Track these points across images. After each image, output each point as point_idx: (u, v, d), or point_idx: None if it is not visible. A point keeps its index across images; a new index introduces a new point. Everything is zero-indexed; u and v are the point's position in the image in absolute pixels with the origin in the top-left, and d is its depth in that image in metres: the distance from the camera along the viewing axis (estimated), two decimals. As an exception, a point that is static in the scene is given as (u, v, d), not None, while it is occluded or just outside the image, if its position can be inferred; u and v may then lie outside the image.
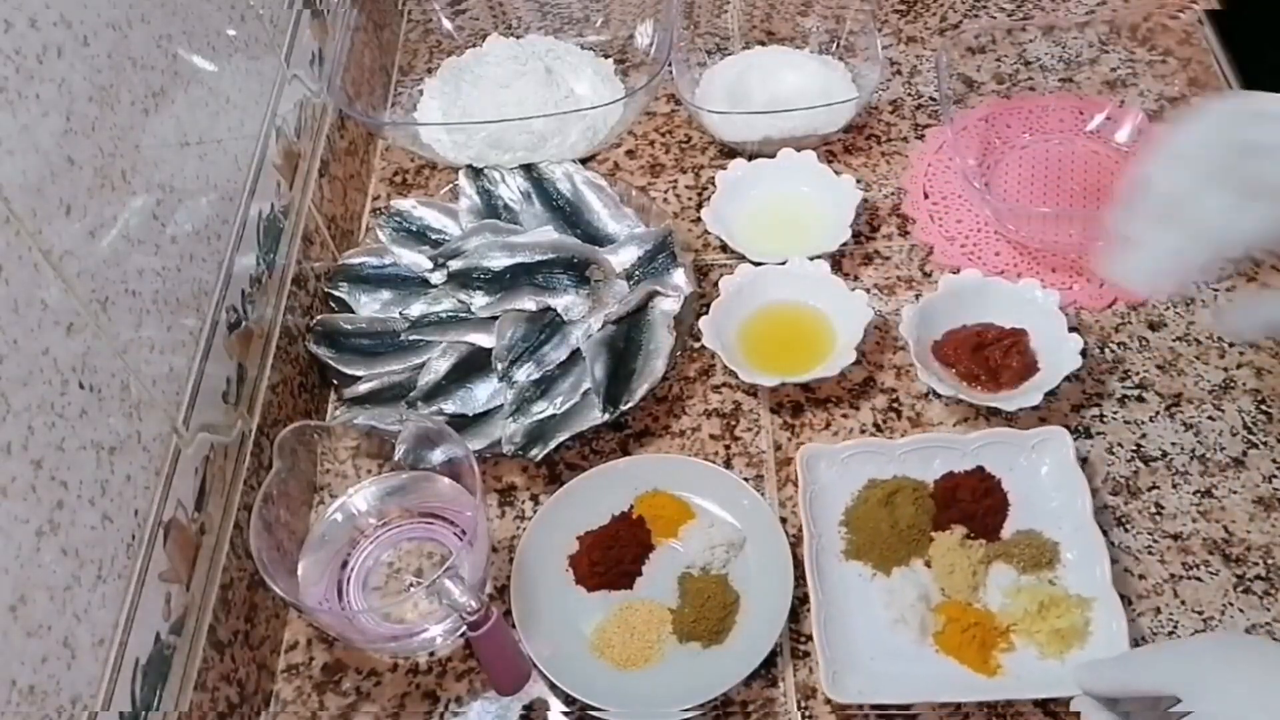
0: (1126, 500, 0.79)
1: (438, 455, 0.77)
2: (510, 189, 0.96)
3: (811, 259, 0.89)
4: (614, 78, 1.09)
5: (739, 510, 0.78)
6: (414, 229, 0.95)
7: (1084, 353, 0.81)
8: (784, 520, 0.78)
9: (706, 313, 0.86)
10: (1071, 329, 0.82)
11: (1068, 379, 0.81)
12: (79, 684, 0.55)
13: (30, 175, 0.55)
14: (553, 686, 0.72)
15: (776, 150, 0.97)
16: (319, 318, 0.88)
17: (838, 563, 0.76)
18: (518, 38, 1.12)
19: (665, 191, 1.01)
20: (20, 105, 0.54)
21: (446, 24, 1.15)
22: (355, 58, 1.01)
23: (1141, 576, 0.75)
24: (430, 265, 0.91)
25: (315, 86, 0.95)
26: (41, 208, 0.55)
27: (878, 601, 0.74)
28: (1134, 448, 0.81)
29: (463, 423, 0.82)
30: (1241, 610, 0.73)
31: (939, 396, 0.85)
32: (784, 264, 0.89)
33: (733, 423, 0.85)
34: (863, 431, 0.84)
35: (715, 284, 0.89)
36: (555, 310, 0.86)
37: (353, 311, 0.90)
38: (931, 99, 1.05)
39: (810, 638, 0.72)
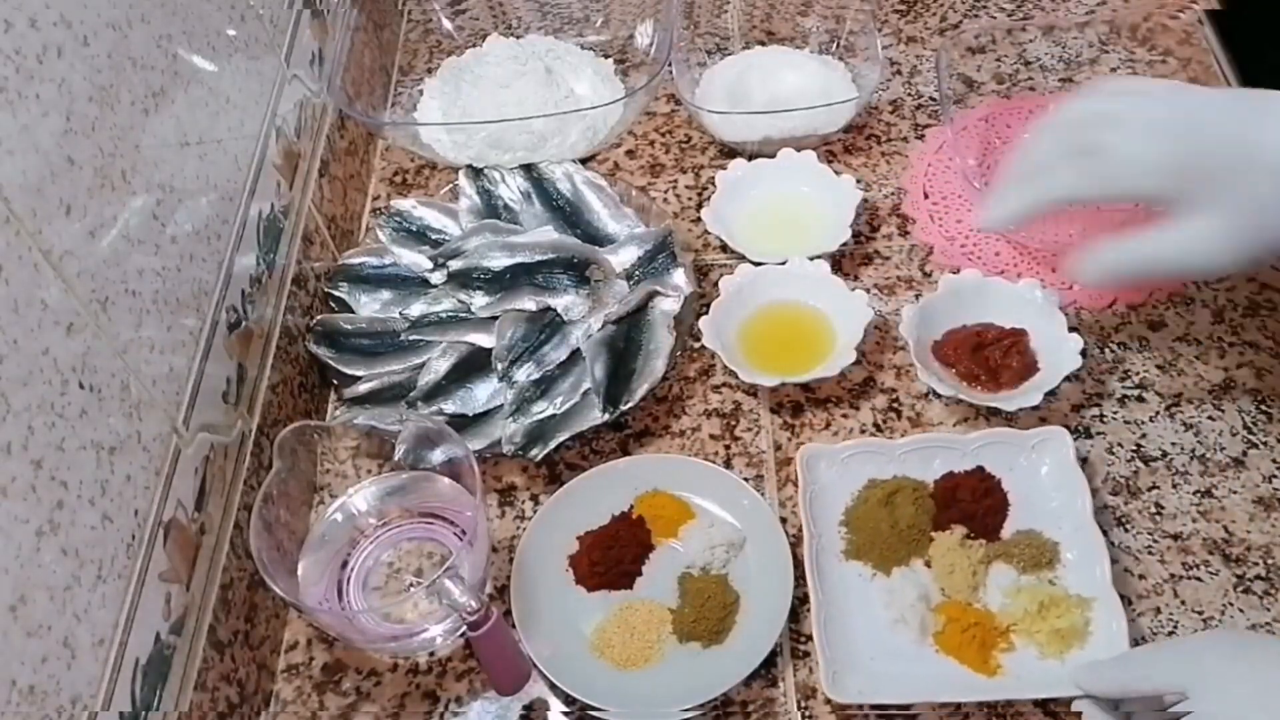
0: (1126, 500, 0.79)
1: (438, 455, 0.77)
2: (510, 189, 0.96)
3: (811, 259, 0.89)
4: (614, 78, 1.09)
5: (739, 510, 0.78)
6: (414, 229, 0.95)
7: (1084, 353, 0.81)
8: (784, 520, 0.78)
9: (706, 313, 0.87)
10: (1071, 329, 0.82)
11: (1068, 379, 0.81)
12: (79, 684, 0.55)
13: (30, 175, 0.55)
14: (553, 686, 0.72)
15: (776, 150, 0.97)
16: (319, 318, 0.88)
17: (838, 563, 0.76)
18: (518, 38, 1.12)
19: (665, 191, 1.01)
20: (20, 105, 0.54)
21: (446, 24, 1.15)
22: (355, 58, 1.01)
23: (1141, 576, 0.75)
24: (430, 265, 0.91)
25: (315, 86, 0.95)
26: (41, 208, 0.55)
27: (878, 601, 0.74)
28: (1134, 448, 0.81)
29: (463, 423, 0.83)
30: (1241, 610, 0.73)
31: (939, 396, 0.85)
32: (784, 264, 0.89)
33: (733, 423, 0.85)
34: (863, 431, 0.84)
35: (715, 284, 0.89)
36: (555, 310, 0.86)
37: (353, 311, 0.90)
38: (931, 99, 1.05)
39: (810, 638, 0.72)
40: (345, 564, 0.77)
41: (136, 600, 0.61)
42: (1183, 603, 0.74)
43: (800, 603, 0.74)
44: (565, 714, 0.72)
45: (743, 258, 0.91)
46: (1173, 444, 0.81)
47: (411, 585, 0.76)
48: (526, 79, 1.02)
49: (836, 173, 0.96)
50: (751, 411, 0.86)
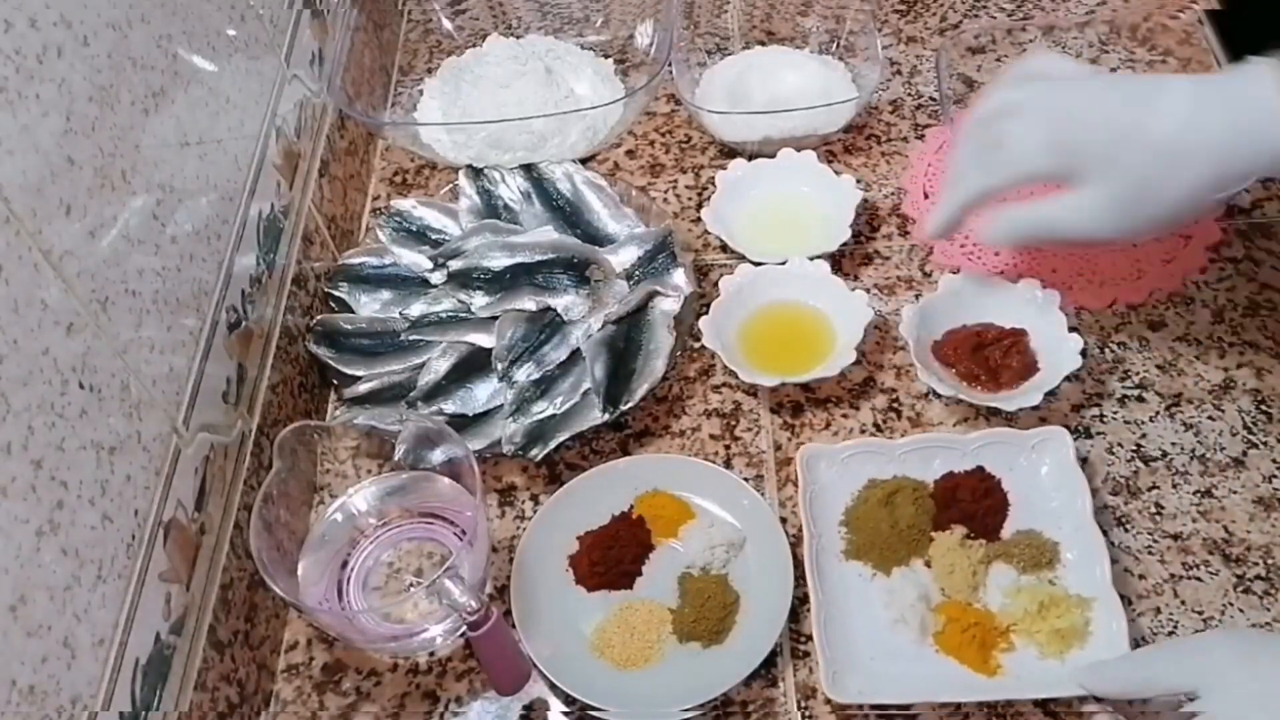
0: (1126, 500, 0.79)
1: (438, 455, 0.77)
2: (510, 189, 0.96)
3: (811, 259, 0.89)
4: (614, 78, 1.09)
5: (739, 510, 0.78)
6: (414, 229, 0.95)
7: (1084, 353, 0.81)
8: (784, 520, 0.78)
9: (706, 313, 0.86)
10: (1071, 329, 0.82)
11: (1068, 379, 0.81)
12: (79, 684, 0.55)
13: (30, 175, 0.55)
14: (553, 686, 0.72)
15: (776, 150, 0.97)
16: (319, 318, 0.88)
17: (838, 563, 0.76)
18: (518, 38, 1.12)
19: (665, 191, 1.01)
20: (20, 105, 0.54)
21: (446, 24, 1.15)
22: (355, 58, 1.01)
23: (1141, 576, 0.75)
24: (430, 265, 0.91)
25: (315, 86, 0.95)
26: (41, 208, 0.55)
27: (878, 601, 0.74)
28: (1134, 448, 0.81)
29: (463, 423, 0.83)
30: (1241, 610, 0.73)
31: (939, 396, 0.85)
32: (784, 264, 0.89)
33: (733, 423, 0.85)
34: (863, 431, 0.84)
35: (715, 284, 0.89)
36: (555, 310, 0.86)
37: (353, 311, 0.90)
38: (931, 99, 1.05)
39: (810, 638, 0.72)
40: (345, 564, 0.77)
41: (136, 600, 0.61)
42: (1183, 603, 0.74)
43: (800, 603, 0.74)
44: (565, 714, 0.72)
45: (743, 258, 0.91)
46: (1173, 444, 0.81)
47: (411, 585, 0.76)
48: (526, 79, 1.02)
49: (836, 173, 0.96)
50: (751, 411, 0.86)
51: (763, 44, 1.09)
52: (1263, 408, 0.82)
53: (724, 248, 0.93)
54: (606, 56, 1.10)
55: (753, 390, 0.86)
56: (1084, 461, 0.79)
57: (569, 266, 0.88)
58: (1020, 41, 1.06)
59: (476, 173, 0.97)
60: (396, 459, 0.78)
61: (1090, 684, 0.65)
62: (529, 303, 0.86)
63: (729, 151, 1.02)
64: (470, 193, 0.96)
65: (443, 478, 0.78)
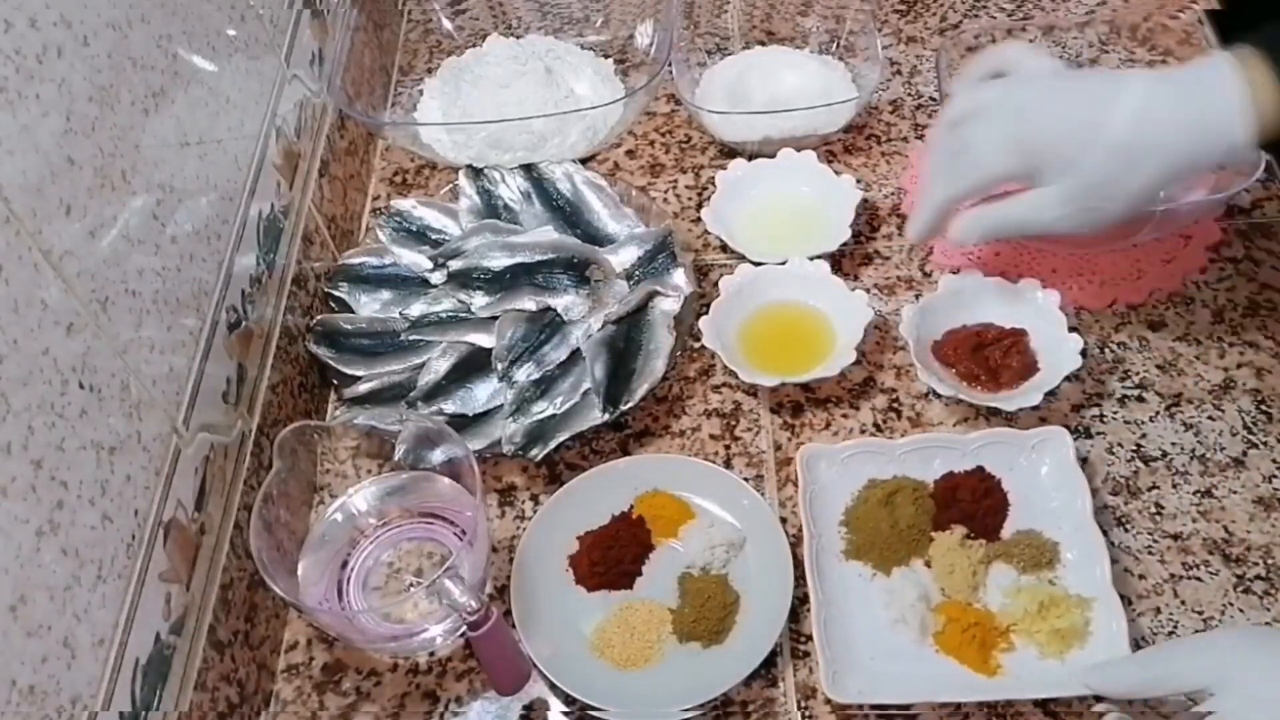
0: (1126, 500, 0.79)
1: (438, 455, 0.77)
2: (510, 189, 0.96)
3: (811, 259, 0.89)
4: (614, 78, 1.09)
5: (739, 510, 0.78)
6: (414, 229, 0.95)
7: (1084, 353, 0.81)
8: (784, 520, 0.78)
9: (706, 313, 0.86)
10: (1071, 329, 0.82)
11: (1068, 379, 0.81)
12: (79, 684, 0.55)
13: (30, 175, 0.55)
14: (553, 686, 0.72)
15: (776, 150, 0.97)
16: (319, 318, 0.88)
17: (838, 563, 0.76)
18: (518, 38, 1.12)
19: (665, 191, 1.01)
20: (20, 105, 0.54)
21: (446, 24, 1.15)
22: (355, 58, 1.01)
23: (1141, 576, 0.75)
24: (430, 265, 0.91)
25: (315, 86, 0.95)
26: (41, 208, 0.55)
27: (878, 601, 0.74)
28: (1134, 448, 0.81)
29: (463, 423, 0.82)
30: (1241, 610, 0.73)
31: (939, 396, 0.85)
32: (784, 264, 0.89)
33: (733, 423, 0.85)
34: (863, 431, 0.84)
35: (715, 284, 0.89)
36: (555, 310, 0.86)
37: (353, 311, 0.90)
38: (931, 99, 1.05)
39: (810, 638, 0.72)
40: (345, 564, 0.77)
41: (136, 600, 0.61)
42: (1183, 603, 0.74)
43: (800, 603, 0.74)
44: (565, 714, 0.72)
45: (743, 258, 0.91)
46: (1173, 444, 0.81)
47: (411, 585, 0.76)
48: (526, 79, 1.02)
49: (836, 173, 0.96)
50: (751, 411, 0.86)
51: (763, 44, 1.09)
52: (1263, 408, 0.82)
53: (724, 248, 0.93)
54: (606, 56, 1.10)
55: (753, 390, 0.86)
56: (1084, 461, 0.79)
57: (569, 266, 0.88)
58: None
59: (476, 173, 0.97)
60: (396, 459, 0.78)
61: (1098, 684, 0.65)
62: (529, 303, 0.86)
63: (729, 151, 1.02)
64: (470, 193, 0.96)
65: (443, 478, 0.78)
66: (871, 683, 0.69)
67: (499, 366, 0.83)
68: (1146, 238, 0.89)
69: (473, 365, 0.85)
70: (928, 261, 0.93)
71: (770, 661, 0.72)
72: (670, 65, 0.99)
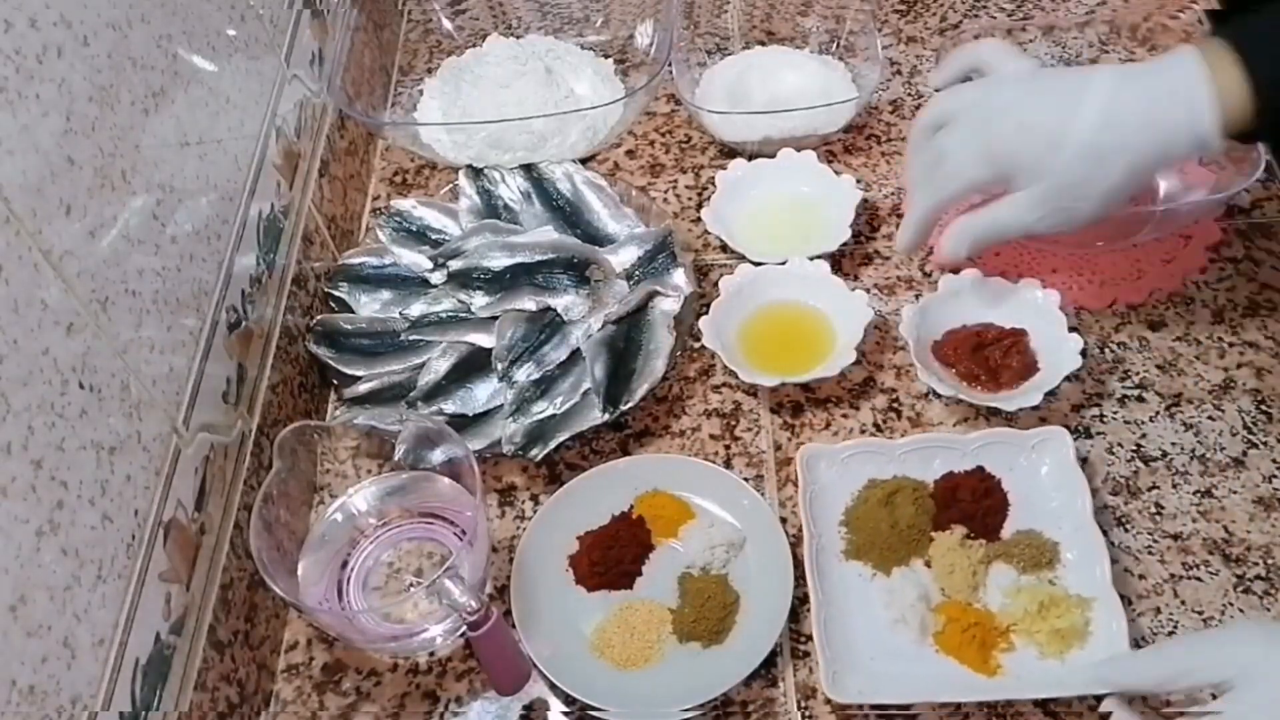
0: (1126, 500, 0.79)
1: (438, 455, 0.77)
2: (510, 189, 0.96)
3: (811, 259, 0.89)
4: (614, 78, 1.09)
5: (739, 510, 0.78)
6: (414, 229, 0.95)
7: (1084, 353, 0.81)
8: (784, 520, 0.78)
9: (706, 313, 0.86)
10: (1071, 329, 0.82)
11: (1068, 379, 0.81)
12: (79, 684, 0.55)
13: (30, 175, 0.55)
14: (553, 686, 0.72)
15: (776, 150, 0.97)
16: (319, 318, 0.88)
17: (838, 563, 0.76)
18: (518, 38, 1.12)
19: (665, 191, 1.01)
20: (20, 105, 0.54)
21: (446, 24, 1.15)
22: (355, 58, 1.01)
23: (1141, 576, 0.75)
24: (430, 265, 0.91)
25: (315, 86, 0.95)
26: (41, 208, 0.55)
27: (878, 601, 0.74)
28: (1134, 448, 0.81)
29: (463, 423, 0.82)
30: (1241, 610, 0.73)
31: (939, 396, 0.85)
32: (784, 264, 0.89)
33: (733, 423, 0.85)
34: (863, 431, 0.84)
35: (715, 284, 0.89)
36: (555, 310, 0.86)
37: (353, 311, 0.90)
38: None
39: (810, 638, 0.72)
40: (345, 564, 0.77)
41: (136, 600, 0.61)
42: (1183, 603, 0.74)
43: (800, 603, 0.74)
44: (565, 714, 0.72)
45: (743, 258, 0.91)
46: (1173, 444, 0.81)
47: (411, 585, 0.76)
48: (526, 79, 1.02)
49: (836, 173, 0.96)
50: (751, 411, 0.86)
51: (763, 44, 1.09)
52: (1263, 408, 0.82)
53: (724, 248, 0.93)
54: (606, 56, 1.10)
55: (753, 390, 0.86)
56: (1084, 461, 0.79)
57: (569, 266, 0.88)
58: (1020, 41, 1.06)
59: (476, 173, 0.97)
60: (396, 459, 0.78)
61: (1115, 678, 0.64)
62: (529, 303, 0.86)
63: (729, 151, 1.02)
64: (470, 193, 0.96)
65: (443, 478, 0.78)
66: (871, 683, 0.69)
67: (499, 366, 0.83)
68: (1146, 238, 0.89)
69: (473, 365, 0.85)
70: (928, 261, 0.93)
71: (770, 661, 0.72)
72: (670, 65, 0.99)
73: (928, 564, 0.75)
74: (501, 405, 0.83)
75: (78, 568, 0.56)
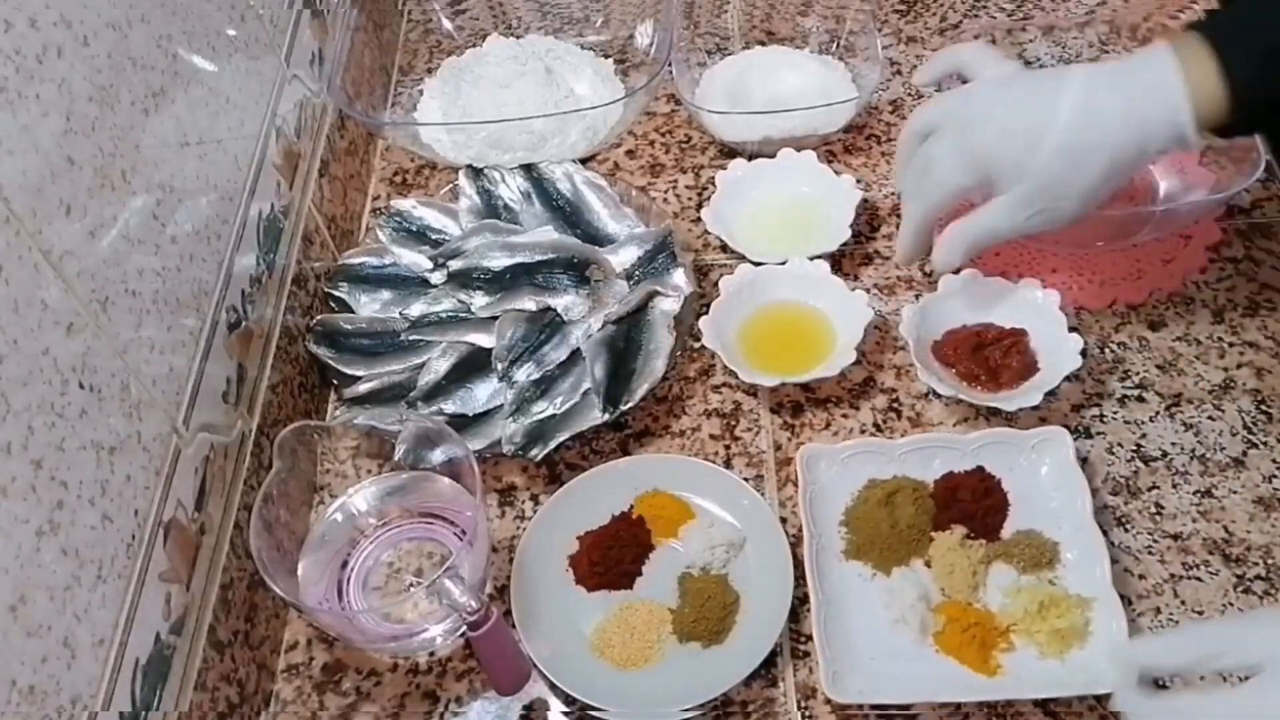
0: (1126, 500, 0.79)
1: (438, 455, 0.77)
2: (510, 189, 0.96)
3: (811, 259, 0.89)
4: (614, 78, 1.09)
5: (739, 510, 0.78)
6: (414, 229, 0.95)
7: (1084, 353, 0.81)
8: (784, 520, 0.78)
9: (706, 313, 0.86)
10: (1071, 329, 0.82)
11: (1068, 379, 0.81)
12: (79, 684, 0.55)
13: (30, 175, 0.55)
14: (553, 686, 0.72)
15: (776, 150, 0.97)
16: (319, 318, 0.88)
17: (838, 563, 0.76)
18: (518, 38, 1.12)
19: (665, 191, 1.01)
20: (20, 105, 0.54)
21: (446, 24, 1.15)
22: (355, 58, 1.01)
23: (1141, 576, 0.75)
24: (430, 265, 0.91)
25: (315, 86, 0.95)
26: (41, 208, 0.55)
27: (878, 601, 0.74)
28: (1134, 448, 0.81)
29: (463, 423, 0.82)
30: (1241, 610, 0.73)
31: (939, 396, 0.85)
32: (784, 264, 0.89)
33: (733, 423, 0.85)
34: (863, 431, 0.84)
35: (715, 284, 0.89)
36: (555, 310, 0.86)
37: (353, 311, 0.90)
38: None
39: (810, 638, 0.72)
40: (345, 564, 0.77)
41: (136, 600, 0.61)
42: (1183, 603, 0.74)
43: (800, 603, 0.74)
44: (565, 714, 0.72)
45: (743, 258, 0.91)
46: (1173, 444, 0.81)
47: (411, 585, 0.76)
48: (526, 79, 1.02)
49: (836, 173, 0.96)
50: (751, 411, 0.86)
51: (763, 44, 1.09)
52: (1263, 408, 0.82)
53: (724, 248, 0.93)
54: (606, 56, 1.10)
55: (753, 390, 0.86)
56: (1084, 461, 0.79)
57: (569, 266, 0.88)
58: (1020, 41, 1.06)
59: (476, 173, 0.97)
60: (396, 459, 0.78)
61: (1146, 657, 0.62)
62: (529, 303, 0.86)
63: (729, 151, 1.02)
64: (470, 193, 0.96)
65: (443, 478, 0.78)
66: (871, 683, 0.69)
67: (499, 366, 0.83)
68: (1146, 238, 0.89)
69: (473, 365, 0.85)
70: (928, 262, 0.93)
71: (770, 661, 0.72)
72: (670, 65, 0.99)
73: (928, 564, 0.75)
74: (501, 405, 0.83)
75: (78, 568, 0.56)
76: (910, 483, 0.78)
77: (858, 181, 0.95)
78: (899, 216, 0.96)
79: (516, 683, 0.71)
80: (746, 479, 0.80)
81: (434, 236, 0.95)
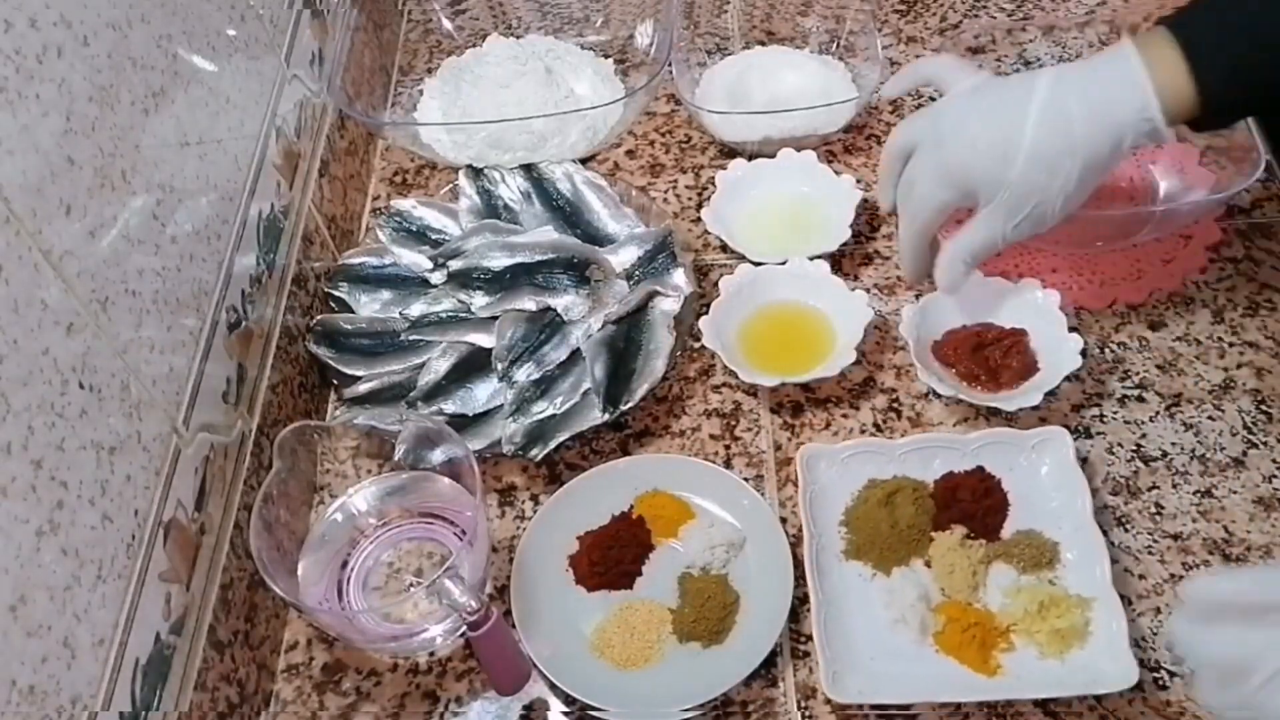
0: (1126, 500, 0.79)
1: (438, 455, 0.77)
2: (510, 189, 0.96)
3: (811, 259, 0.89)
4: (614, 78, 1.09)
5: (739, 510, 0.78)
6: (414, 229, 0.95)
7: (1084, 353, 0.81)
8: (784, 520, 0.78)
9: (706, 313, 0.86)
10: (1071, 329, 0.82)
11: (1068, 379, 0.81)
12: (79, 684, 0.55)
13: (30, 175, 0.55)
14: (553, 686, 0.72)
15: (776, 150, 0.97)
16: (319, 318, 0.88)
17: (838, 563, 0.76)
18: (518, 38, 1.12)
19: (665, 191, 1.01)
20: (20, 105, 0.54)
21: (446, 24, 1.15)
22: (355, 58, 1.01)
23: (1141, 576, 0.75)
24: (430, 265, 0.91)
25: (315, 86, 0.95)
26: (41, 208, 0.55)
27: (878, 601, 0.74)
28: (1134, 448, 0.81)
29: (463, 423, 0.82)
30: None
31: (939, 396, 0.85)
32: (784, 264, 0.89)
33: (733, 423, 0.85)
34: (863, 431, 0.84)
35: (715, 284, 0.89)
36: (555, 310, 0.86)
37: (353, 311, 0.90)
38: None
39: (810, 638, 0.72)
40: (345, 564, 0.77)
41: (136, 600, 0.61)
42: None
43: (800, 603, 0.74)
44: (565, 714, 0.72)
45: (743, 258, 0.91)
46: (1173, 444, 0.81)
47: (411, 585, 0.76)
48: (526, 79, 1.02)
49: (836, 173, 0.96)
50: (751, 411, 0.86)
51: (763, 44, 1.09)
52: (1263, 408, 0.82)
53: (724, 248, 0.93)
54: (606, 56, 1.10)
55: (753, 390, 0.86)
56: (1084, 461, 0.79)
57: (569, 266, 0.88)
58: (1020, 41, 1.06)
59: (476, 173, 0.97)
60: (396, 459, 0.78)
61: (1202, 588, 0.58)
62: (529, 303, 0.86)
63: (729, 151, 1.02)
64: (470, 193, 0.96)
65: (443, 478, 0.78)
66: (871, 683, 0.69)
67: (499, 366, 0.83)
68: (1146, 238, 0.89)
69: (473, 365, 0.85)
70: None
71: (770, 661, 0.72)
72: (670, 65, 0.99)
73: (928, 564, 0.75)
74: (501, 405, 0.83)
75: (78, 568, 0.56)
76: (910, 483, 0.78)
77: (858, 181, 0.95)
78: (895, 214, 0.96)
79: (516, 683, 0.71)
80: (746, 479, 0.80)
81: (434, 236, 0.95)
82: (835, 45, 1.07)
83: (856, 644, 0.71)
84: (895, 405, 0.85)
